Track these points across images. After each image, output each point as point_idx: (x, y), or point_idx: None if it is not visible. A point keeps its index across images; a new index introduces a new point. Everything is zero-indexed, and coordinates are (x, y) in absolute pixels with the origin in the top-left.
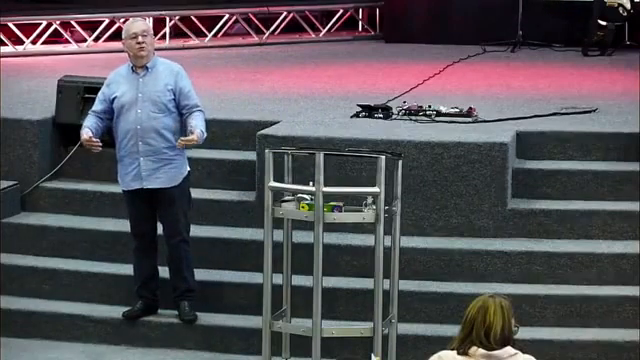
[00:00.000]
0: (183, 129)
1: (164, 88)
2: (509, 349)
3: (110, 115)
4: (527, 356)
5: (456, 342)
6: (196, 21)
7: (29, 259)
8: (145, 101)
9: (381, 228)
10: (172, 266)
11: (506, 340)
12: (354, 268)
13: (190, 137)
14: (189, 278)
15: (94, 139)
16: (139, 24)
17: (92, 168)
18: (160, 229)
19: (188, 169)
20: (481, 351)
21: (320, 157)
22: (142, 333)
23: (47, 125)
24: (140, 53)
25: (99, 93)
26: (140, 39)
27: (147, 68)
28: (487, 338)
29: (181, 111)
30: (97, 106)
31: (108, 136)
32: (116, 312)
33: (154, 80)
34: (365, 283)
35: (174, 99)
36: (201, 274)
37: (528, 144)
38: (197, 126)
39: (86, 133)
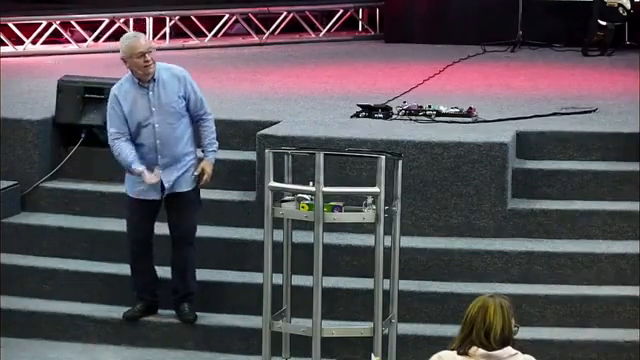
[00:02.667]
0: (195, 132)
1: (175, 97)
2: (509, 349)
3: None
4: (527, 356)
5: (456, 342)
6: (196, 21)
7: (29, 259)
8: (161, 114)
9: (381, 228)
10: (176, 268)
11: (506, 340)
12: (354, 268)
13: (204, 178)
14: (191, 281)
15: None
16: (142, 42)
17: (92, 168)
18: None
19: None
20: (481, 351)
21: (320, 157)
22: (142, 333)
23: (47, 125)
24: (148, 70)
25: (111, 111)
26: (147, 57)
27: (153, 80)
28: (487, 338)
29: (192, 116)
30: (120, 127)
31: None
32: (116, 312)
33: (164, 91)
34: (365, 283)
35: (185, 104)
36: (201, 274)
37: (528, 144)
38: (207, 148)
39: (142, 167)
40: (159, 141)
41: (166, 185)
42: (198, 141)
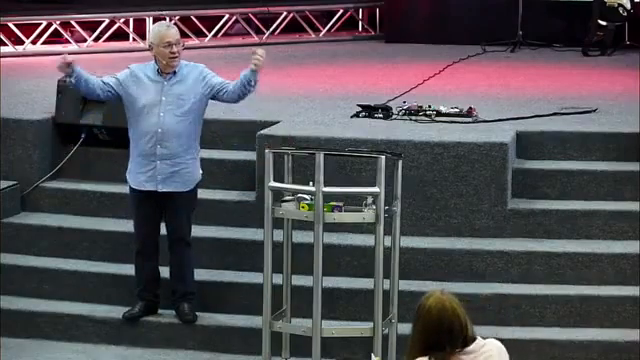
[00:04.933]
0: (201, 134)
1: (190, 92)
2: (479, 340)
3: (108, 93)
4: (490, 339)
5: (417, 349)
6: (196, 21)
7: (29, 259)
8: (169, 104)
9: (381, 228)
10: (174, 269)
11: (473, 334)
12: (354, 268)
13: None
14: (190, 281)
15: (71, 66)
16: (173, 32)
17: (92, 168)
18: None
19: (201, 172)
20: (459, 356)
21: (320, 157)
22: (142, 333)
23: (47, 125)
24: (172, 63)
25: (118, 74)
26: (174, 48)
27: (174, 73)
28: (461, 341)
29: (219, 91)
30: (108, 78)
31: (108, 136)
32: (116, 312)
33: (180, 84)
34: (365, 283)
35: (202, 100)
36: (201, 274)
37: (528, 144)
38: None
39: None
40: (160, 130)
41: (159, 177)
42: (200, 144)
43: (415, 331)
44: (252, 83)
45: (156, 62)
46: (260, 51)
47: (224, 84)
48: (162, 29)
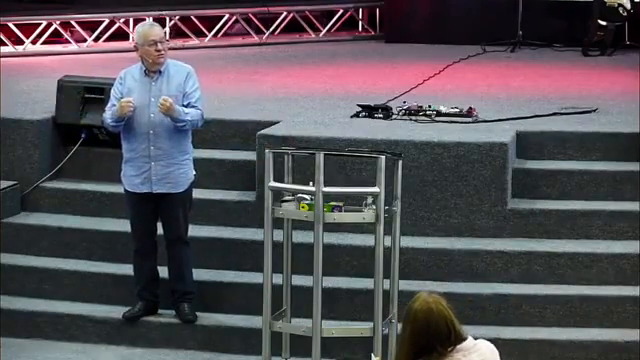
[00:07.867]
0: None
1: (176, 92)
2: (470, 339)
3: None
4: (480, 340)
5: (406, 355)
6: (196, 21)
7: (29, 259)
8: (158, 105)
9: (381, 228)
10: (173, 269)
11: (463, 333)
12: (354, 268)
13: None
14: (188, 281)
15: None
16: (157, 30)
17: (92, 168)
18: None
19: (194, 173)
20: (452, 354)
21: (320, 157)
22: (142, 333)
23: (47, 125)
24: (159, 60)
25: (112, 91)
26: (159, 46)
27: (160, 71)
28: (450, 340)
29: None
30: (115, 100)
31: (108, 136)
32: (116, 312)
33: (167, 84)
34: (365, 283)
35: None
36: (201, 274)
37: (528, 144)
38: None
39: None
40: (152, 131)
41: (154, 179)
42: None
43: (404, 336)
44: (177, 123)
45: (142, 63)
46: (161, 100)
47: (190, 105)
48: (145, 28)
